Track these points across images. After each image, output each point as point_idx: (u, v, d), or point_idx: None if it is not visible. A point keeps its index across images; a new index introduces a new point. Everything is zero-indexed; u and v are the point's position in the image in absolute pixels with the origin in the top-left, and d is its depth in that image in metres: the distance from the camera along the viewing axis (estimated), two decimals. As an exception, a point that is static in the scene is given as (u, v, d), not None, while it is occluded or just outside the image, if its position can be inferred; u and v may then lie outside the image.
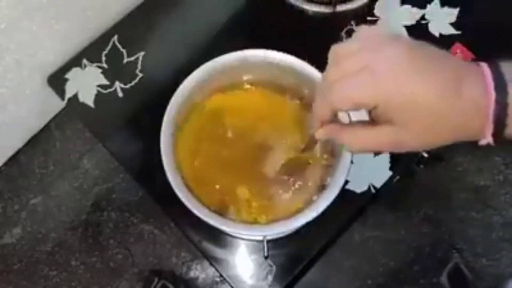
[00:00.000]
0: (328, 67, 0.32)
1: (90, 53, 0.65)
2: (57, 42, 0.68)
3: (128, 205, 0.99)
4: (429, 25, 0.64)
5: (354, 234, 1.02)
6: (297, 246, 0.55)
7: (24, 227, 0.95)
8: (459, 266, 0.98)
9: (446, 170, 1.07)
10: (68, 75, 0.64)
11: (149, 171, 0.57)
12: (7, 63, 0.65)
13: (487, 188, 1.06)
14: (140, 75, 0.64)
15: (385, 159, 0.57)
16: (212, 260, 0.55)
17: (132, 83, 0.63)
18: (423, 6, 0.65)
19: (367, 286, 1.00)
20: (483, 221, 1.04)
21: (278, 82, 0.51)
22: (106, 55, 0.65)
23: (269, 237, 0.52)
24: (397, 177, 0.57)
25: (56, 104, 0.83)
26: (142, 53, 0.65)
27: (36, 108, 0.81)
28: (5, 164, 0.91)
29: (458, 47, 0.62)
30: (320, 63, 0.36)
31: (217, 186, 0.48)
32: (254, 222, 0.47)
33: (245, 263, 0.55)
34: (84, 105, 0.62)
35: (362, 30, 0.32)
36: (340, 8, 0.65)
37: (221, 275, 0.55)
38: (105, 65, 0.64)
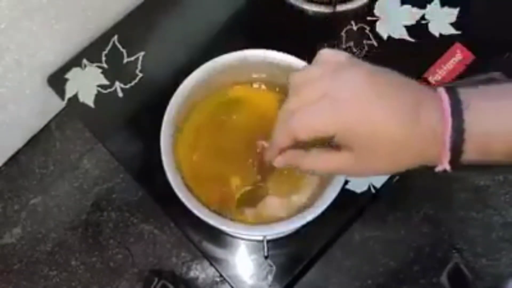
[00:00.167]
0: (288, 96, 0.32)
1: (90, 53, 0.65)
2: (57, 42, 0.68)
3: (128, 205, 0.99)
4: (429, 25, 0.64)
5: (354, 234, 1.02)
6: (297, 246, 0.55)
7: (24, 227, 0.95)
8: (459, 266, 0.99)
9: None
10: (68, 75, 0.64)
11: (149, 171, 0.57)
12: (7, 63, 0.65)
13: (487, 188, 1.06)
14: (140, 75, 0.64)
15: (385, 159, 0.57)
16: (212, 260, 0.55)
17: (132, 83, 0.63)
18: (423, 6, 0.65)
19: (367, 286, 1.00)
20: (483, 221, 1.04)
21: (278, 82, 0.51)
22: (106, 55, 0.65)
23: (269, 237, 0.52)
24: (397, 177, 0.57)
25: (56, 104, 0.83)
26: (142, 53, 0.65)
27: (36, 108, 0.81)
28: (5, 164, 0.91)
29: (458, 47, 0.62)
30: (320, 63, 0.35)
31: (215, 180, 0.48)
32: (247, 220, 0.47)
33: (245, 263, 0.55)
34: (84, 105, 0.62)
35: (323, 55, 0.32)
36: (340, 8, 0.65)
37: (221, 275, 0.55)
38: (105, 65, 0.64)
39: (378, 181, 0.56)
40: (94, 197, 0.98)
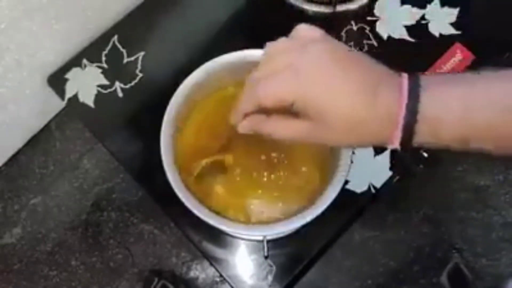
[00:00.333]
0: (260, 64, 0.34)
1: (90, 53, 0.65)
2: (57, 42, 0.68)
3: (128, 205, 0.99)
4: (429, 25, 0.64)
5: (354, 234, 1.02)
6: (297, 246, 0.55)
7: (24, 227, 0.95)
8: (459, 266, 0.99)
9: (446, 170, 1.07)
10: (68, 75, 0.64)
11: (149, 171, 0.57)
12: (7, 63, 0.65)
13: (487, 188, 1.06)
14: (140, 75, 0.64)
15: (385, 159, 0.57)
16: (212, 260, 0.55)
17: (132, 83, 0.63)
18: (423, 6, 0.65)
19: (367, 286, 1.00)
20: (483, 221, 1.04)
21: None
22: (106, 55, 0.65)
23: (269, 237, 0.52)
24: (397, 177, 0.57)
25: (56, 104, 0.83)
26: (142, 53, 0.65)
27: (36, 108, 0.81)
28: (5, 164, 0.91)
29: (458, 47, 0.62)
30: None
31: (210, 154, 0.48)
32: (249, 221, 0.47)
33: (245, 263, 0.55)
34: (84, 105, 0.62)
35: (299, 30, 0.33)
36: (340, 8, 0.65)
37: (221, 275, 0.55)
38: (105, 65, 0.64)
39: (378, 181, 0.56)
40: (94, 197, 0.99)
